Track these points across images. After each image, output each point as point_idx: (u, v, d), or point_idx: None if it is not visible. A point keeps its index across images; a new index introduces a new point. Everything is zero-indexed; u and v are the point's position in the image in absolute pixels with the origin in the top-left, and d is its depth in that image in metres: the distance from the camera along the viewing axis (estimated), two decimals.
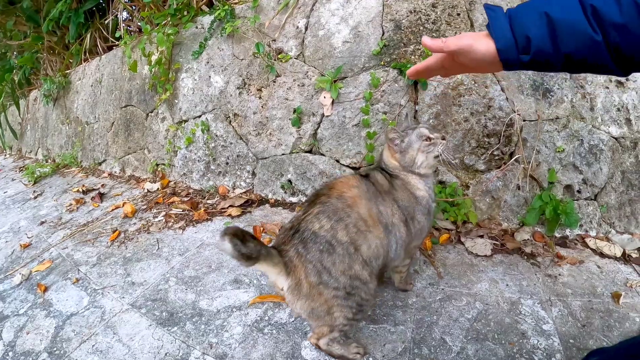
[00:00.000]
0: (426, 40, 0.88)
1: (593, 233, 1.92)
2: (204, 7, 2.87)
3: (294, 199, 2.40)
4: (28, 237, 3.09)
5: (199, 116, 2.79)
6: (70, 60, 5.25)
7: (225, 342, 1.44)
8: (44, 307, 2.03)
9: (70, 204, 3.50)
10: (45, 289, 2.18)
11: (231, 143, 2.62)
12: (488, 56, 0.81)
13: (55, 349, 1.67)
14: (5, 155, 9.34)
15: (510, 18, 0.79)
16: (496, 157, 1.92)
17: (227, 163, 2.67)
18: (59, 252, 2.61)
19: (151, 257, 2.17)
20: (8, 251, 2.95)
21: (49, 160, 5.75)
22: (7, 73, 6.73)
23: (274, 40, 2.36)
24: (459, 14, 1.92)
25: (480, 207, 1.98)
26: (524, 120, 1.87)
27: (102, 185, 3.75)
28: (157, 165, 3.29)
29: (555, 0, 0.75)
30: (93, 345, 1.62)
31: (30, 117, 7.09)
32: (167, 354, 1.44)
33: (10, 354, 1.73)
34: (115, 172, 3.99)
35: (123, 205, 2.96)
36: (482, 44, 0.81)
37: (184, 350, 1.45)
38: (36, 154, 6.76)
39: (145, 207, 2.87)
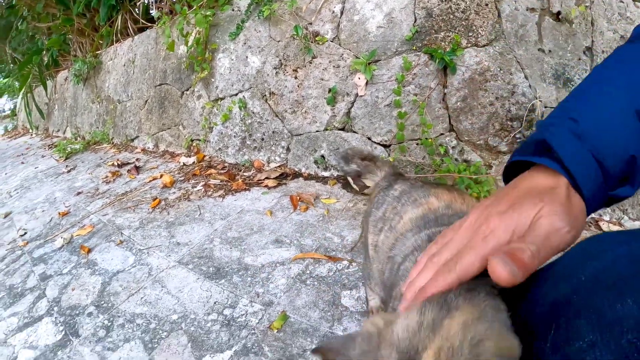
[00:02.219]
0: (504, 270, 0.42)
1: (607, 217, 2.04)
2: None
3: (326, 174, 2.56)
4: (65, 206, 3.22)
5: (236, 94, 2.95)
6: (100, 42, 5.41)
7: (271, 292, 1.56)
8: (89, 266, 2.15)
9: (107, 176, 3.65)
10: (89, 251, 2.30)
11: (267, 120, 2.78)
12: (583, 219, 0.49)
13: (102, 302, 1.78)
14: (32, 135, 9.55)
15: (581, 137, 0.51)
16: (518, 140, 2.05)
17: (262, 139, 2.83)
18: (100, 219, 2.75)
19: (194, 221, 2.32)
20: (46, 219, 3.10)
21: (79, 138, 5.93)
22: (35, 55, 6.90)
23: (310, 24, 2.51)
24: (487, 4, 2.04)
25: (502, 185, 2.11)
26: (545, 107, 1.99)
27: (137, 159, 3.92)
28: (192, 140, 3.46)
29: (622, 86, 0.53)
30: (142, 298, 1.74)
31: (59, 97, 7.25)
32: (216, 303, 1.57)
33: (56, 308, 1.84)
34: (149, 147, 4.16)
35: (161, 177, 3.13)
36: (576, 210, 0.48)
37: (232, 299, 1.57)
38: (64, 133, 6.95)
39: (182, 178, 3.03)
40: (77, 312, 1.78)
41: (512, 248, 0.44)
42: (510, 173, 0.60)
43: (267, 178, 2.60)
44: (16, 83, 15.13)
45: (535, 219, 0.46)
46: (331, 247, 1.79)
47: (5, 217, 3.56)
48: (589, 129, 0.50)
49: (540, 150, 0.53)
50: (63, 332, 1.69)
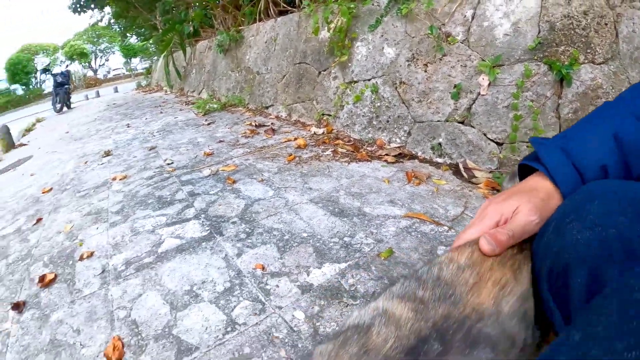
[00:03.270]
0: (487, 246, 0.68)
1: None
2: None
3: (440, 160, 2.89)
4: (209, 149, 3.90)
5: (369, 80, 3.41)
6: (242, 19, 6.10)
7: (382, 234, 1.91)
8: (233, 192, 2.74)
9: (245, 132, 4.30)
10: (234, 182, 2.90)
11: (394, 105, 3.19)
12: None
13: (245, 217, 2.33)
14: (166, 92, 10.73)
15: (567, 152, 0.71)
16: None
17: (387, 121, 3.25)
18: (242, 162, 3.34)
19: (323, 175, 2.80)
20: (191, 155, 3.81)
21: (214, 99, 6.69)
22: (178, 24, 7.84)
23: (444, 25, 2.80)
24: (606, 24, 2.19)
25: None
26: None
27: (272, 123, 4.52)
28: (323, 115, 3.99)
29: (609, 117, 0.71)
30: (278, 218, 2.24)
31: (197, 63, 8.12)
32: (338, 232, 1.97)
33: (203, 216, 2.45)
34: (282, 115, 4.76)
35: (295, 140, 3.68)
36: (551, 204, 0.70)
37: (351, 231, 1.95)
38: (199, 93, 7.82)
39: (313, 143, 3.57)
40: (222, 220, 2.34)
41: (496, 231, 0.69)
42: (524, 171, 0.84)
43: (386, 154, 3.01)
44: (151, 47, 16.78)
45: (516, 211, 0.70)
46: (436, 214, 2.06)
47: (151, 150, 4.44)
48: (574, 145, 0.71)
49: (537, 158, 0.76)
50: (208, 231, 2.25)
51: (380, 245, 1.82)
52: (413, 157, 3.00)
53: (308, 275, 1.70)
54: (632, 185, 0.60)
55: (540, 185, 0.73)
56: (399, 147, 3.12)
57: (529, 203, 0.70)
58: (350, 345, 0.56)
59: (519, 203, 0.71)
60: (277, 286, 1.67)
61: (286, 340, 1.39)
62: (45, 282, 2.12)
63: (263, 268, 1.80)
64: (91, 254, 2.29)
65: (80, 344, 1.62)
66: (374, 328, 0.58)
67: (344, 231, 1.99)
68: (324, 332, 1.40)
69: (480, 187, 2.40)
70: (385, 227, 1.99)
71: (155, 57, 15.30)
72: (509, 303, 0.62)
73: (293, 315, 1.49)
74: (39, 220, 3.07)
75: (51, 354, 1.61)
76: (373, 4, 3.36)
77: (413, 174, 2.63)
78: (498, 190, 2.32)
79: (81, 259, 2.27)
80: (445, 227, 1.93)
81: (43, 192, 3.80)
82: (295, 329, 1.44)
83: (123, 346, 1.51)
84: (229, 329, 1.49)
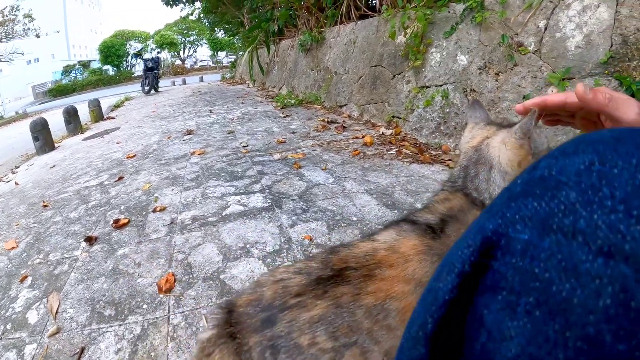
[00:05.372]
0: (582, 88, 0.60)
1: None
2: None
3: None
4: (282, 138, 4.28)
5: (441, 85, 3.54)
6: (325, 21, 6.37)
7: None
8: (297, 175, 3.07)
9: (317, 127, 4.63)
10: (299, 167, 3.24)
11: (463, 112, 3.30)
12: None
13: (304, 196, 2.66)
14: (248, 85, 11.30)
15: None
16: None
17: (455, 127, 3.37)
18: (310, 151, 3.67)
19: (383, 171, 3.02)
20: (265, 142, 4.24)
21: (293, 95, 7.03)
22: (264, 22, 8.29)
23: (517, 34, 2.86)
24: None
25: None
26: None
27: (343, 121, 4.81)
28: (393, 117, 4.16)
29: None
30: (333, 202, 2.51)
31: (279, 60, 8.50)
32: (386, 221, 2.14)
33: (267, 191, 2.81)
34: (354, 115, 4.98)
35: (362, 137, 3.92)
36: None
37: None
38: (279, 89, 8.21)
39: (380, 142, 3.79)
40: (283, 196, 2.69)
41: (598, 87, 0.60)
42: None
43: (450, 160, 3.12)
44: (237, 42, 17.66)
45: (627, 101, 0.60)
46: None
47: (229, 133, 4.97)
48: None
49: None
50: (270, 203, 2.61)
51: None
52: None
53: None
54: None
55: None
56: None
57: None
58: None
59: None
60: None
61: None
62: (118, 225, 2.64)
63: (311, 239, 2.10)
64: (163, 209, 2.78)
65: (138, 274, 2.03)
66: None
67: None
68: None
69: None
70: None
71: (241, 52, 16.08)
72: None
73: None
74: (120, 178, 3.70)
75: (110, 279, 2.02)
76: (449, 11, 3.48)
77: None
78: None
79: (154, 211, 2.77)
80: None
81: (127, 157, 4.51)
82: None
83: (175, 281, 1.88)
84: None
